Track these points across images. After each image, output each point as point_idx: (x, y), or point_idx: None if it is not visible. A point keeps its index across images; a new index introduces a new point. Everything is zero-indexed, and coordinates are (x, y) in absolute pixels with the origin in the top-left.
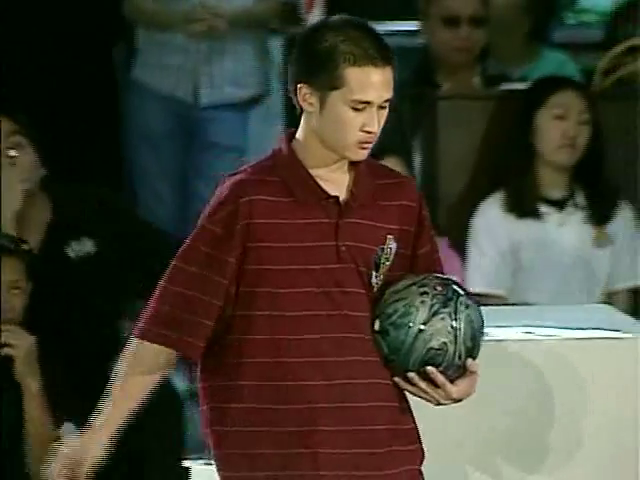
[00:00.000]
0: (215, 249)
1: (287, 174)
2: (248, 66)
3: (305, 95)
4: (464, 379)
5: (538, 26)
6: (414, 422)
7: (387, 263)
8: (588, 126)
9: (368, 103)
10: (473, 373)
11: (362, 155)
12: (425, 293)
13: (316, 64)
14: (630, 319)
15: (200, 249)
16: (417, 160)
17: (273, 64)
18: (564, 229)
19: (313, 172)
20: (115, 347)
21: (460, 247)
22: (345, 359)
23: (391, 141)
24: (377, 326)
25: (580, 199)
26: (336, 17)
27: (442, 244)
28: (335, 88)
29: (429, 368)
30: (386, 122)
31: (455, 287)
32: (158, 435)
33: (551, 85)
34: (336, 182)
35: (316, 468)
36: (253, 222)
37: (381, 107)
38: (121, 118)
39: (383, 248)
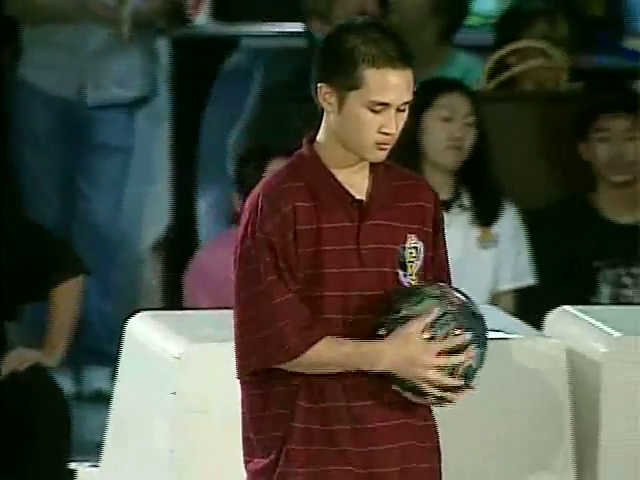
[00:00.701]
0: (278, 257)
1: (312, 178)
2: (135, 66)
3: (325, 95)
4: None
5: (446, 29)
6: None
7: (417, 262)
8: (474, 128)
9: (386, 105)
10: None
11: (380, 156)
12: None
13: (336, 64)
14: (514, 320)
15: (267, 261)
16: None
17: (160, 65)
18: (450, 230)
19: (336, 174)
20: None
21: None
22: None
23: (278, 143)
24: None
25: (465, 200)
26: (359, 18)
27: None
28: (354, 88)
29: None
30: (273, 124)
31: (453, 324)
32: (44, 437)
33: (438, 87)
34: (358, 184)
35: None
36: (298, 229)
37: (400, 109)
38: (7, 118)
39: (405, 247)
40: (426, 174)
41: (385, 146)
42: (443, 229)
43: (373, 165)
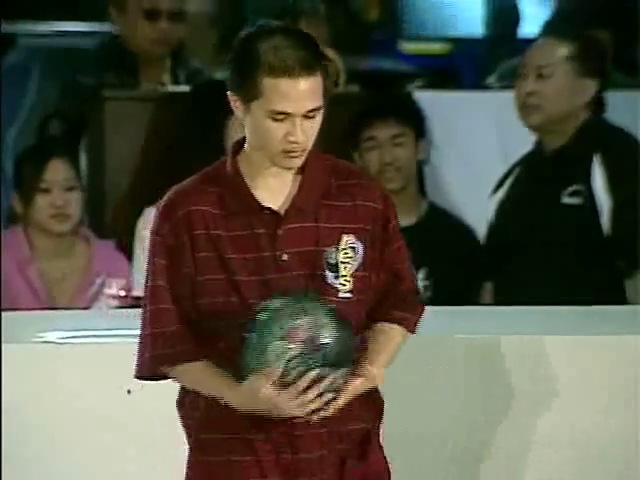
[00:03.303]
0: (172, 260)
1: (225, 185)
2: None
3: (234, 103)
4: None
5: (227, 37)
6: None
7: (353, 263)
8: None
9: (288, 114)
10: None
11: (292, 163)
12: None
13: (239, 74)
14: None
15: (160, 263)
16: (83, 161)
17: None
18: None
19: (252, 181)
20: None
21: (128, 249)
22: None
23: (56, 143)
24: None
25: None
26: (271, 24)
27: (108, 246)
28: (254, 98)
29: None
30: (50, 124)
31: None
32: None
33: None
34: (277, 189)
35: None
36: (194, 234)
37: (307, 117)
38: None
39: (338, 247)
40: None
41: (295, 153)
42: (394, 226)
43: (308, 165)
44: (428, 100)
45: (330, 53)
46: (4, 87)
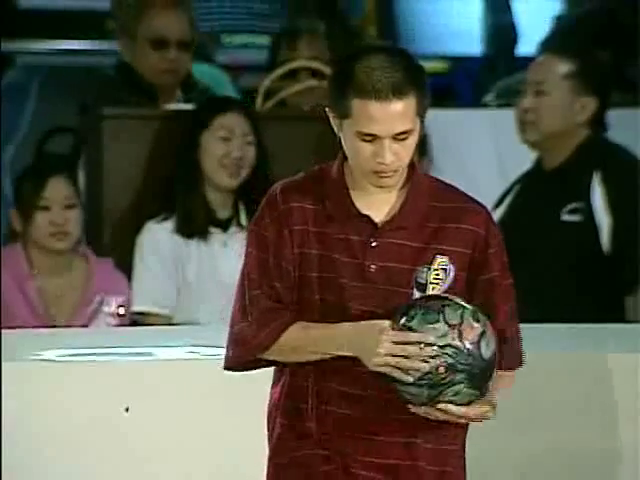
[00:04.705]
0: (267, 252)
1: (328, 187)
2: None
3: (332, 118)
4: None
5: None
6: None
7: (442, 284)
8: (253, 147)
9: (375, 135)
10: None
11: (383, 182)
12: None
13: (334, 91)
14: None
15: (254, 254)
16: (82, 179)
17: None
18: (227, 249)
19: (354, 189)
20: None
21: (126, 267)
22: (358, 369)
23: (56, 160)
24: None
25: (243, 219)
26: (375, 43)
27: (107, 264)
28: (345, 117)
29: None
30: (49, 142)
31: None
32: None
33: (216, 106)
34: (376, 202)
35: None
36: (294, 229)
37: (397, 138)
38: None
39: (430, 267)
40: (207, 193)
41: (385, 174)
42: (497, 253)
43: (413, 185)
44: (426, 118)
45: (328, 71)
46: (3, 105)
